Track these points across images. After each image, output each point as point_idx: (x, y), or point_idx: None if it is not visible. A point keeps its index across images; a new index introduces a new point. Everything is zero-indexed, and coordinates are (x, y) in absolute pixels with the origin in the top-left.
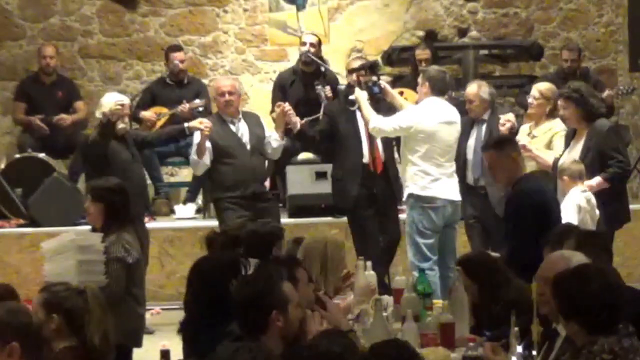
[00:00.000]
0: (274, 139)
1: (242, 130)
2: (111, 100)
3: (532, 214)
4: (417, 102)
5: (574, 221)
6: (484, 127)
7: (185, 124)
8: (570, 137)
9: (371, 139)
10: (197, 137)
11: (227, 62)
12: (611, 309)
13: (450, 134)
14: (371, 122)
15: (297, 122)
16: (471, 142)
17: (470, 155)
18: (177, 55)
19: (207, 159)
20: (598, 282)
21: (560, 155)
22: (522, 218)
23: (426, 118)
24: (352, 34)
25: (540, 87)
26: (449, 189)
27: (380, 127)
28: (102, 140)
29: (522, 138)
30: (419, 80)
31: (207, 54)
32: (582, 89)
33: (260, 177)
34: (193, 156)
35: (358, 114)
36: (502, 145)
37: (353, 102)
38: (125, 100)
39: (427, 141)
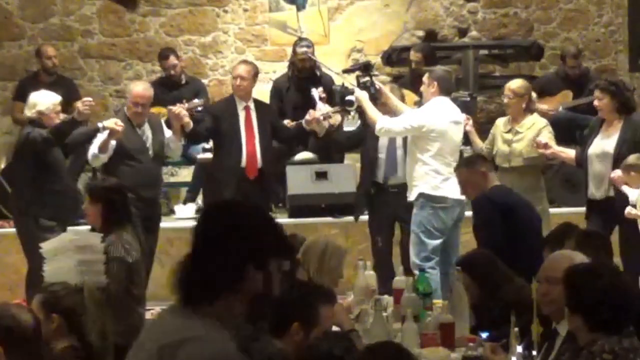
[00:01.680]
0: (172, 141)
1: (147, 134)
2: (47, 100)
3: (497, 215)
4: (416, 103)
5: None
6: None
7: (100, 124)
8: (597, 126)
9: (251, 144)
10: (102, 135)
11: (227, 62)
12: (617, 308)
13: (457, 134)
14: (378, 122)
15: (189, 123)
16: (383, 141)
17: (383, 154)
18: (167, 63)
19: (106, 156)
20: (609, 280)
21: (585, 145)
22: (488, 222)
23: (437, 117)
24: (352, 34)
25: (512, 86)
26: (457, 189)
27: (389, 128)
28: (58, 140)
29: (543, 136)
30: (425, 80)
31: (207, 54)
32: (618, 82)
33: (157, 183)
34: (95, 151)
35: (242, 116)
36: (472, 162)
37: (351, 103)
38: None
39: (438, 140)
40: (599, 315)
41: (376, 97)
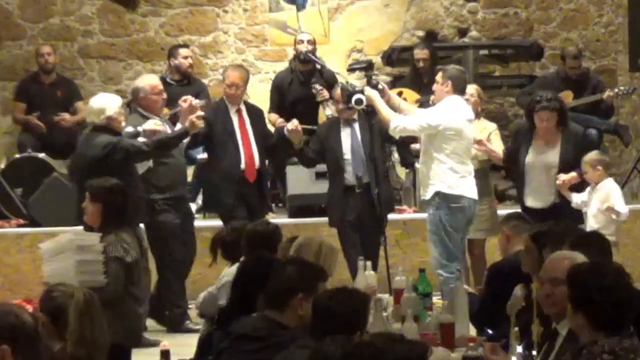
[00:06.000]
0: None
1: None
2: (114, 104)
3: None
4: (417, 101)
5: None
6: (356, 125)
7: (140, 128)
8: (528, 136)
9: (247, 146)
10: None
11: (227, 62)
12: (620, 308)
13: (471, 133)
14: (393, 121)
15: (201, 122)
16: (347, 142)
17: (348, 155)
18: (184, 52)
19: (150, 162)
20: (614, 280)
21: (506, 149)
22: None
23: (455, 116)
24: (352, 34)
25: (477, 86)
26: (473, 188)
27: (405, 127)
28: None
29: (494, 140)
30: (438, 79)
31: (207, 54)
32: (556, 95)
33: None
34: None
35: (235, 119)
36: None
37: (361, 101)
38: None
39: (455, 139)
40: (602, 314)
41: (381, 96)
